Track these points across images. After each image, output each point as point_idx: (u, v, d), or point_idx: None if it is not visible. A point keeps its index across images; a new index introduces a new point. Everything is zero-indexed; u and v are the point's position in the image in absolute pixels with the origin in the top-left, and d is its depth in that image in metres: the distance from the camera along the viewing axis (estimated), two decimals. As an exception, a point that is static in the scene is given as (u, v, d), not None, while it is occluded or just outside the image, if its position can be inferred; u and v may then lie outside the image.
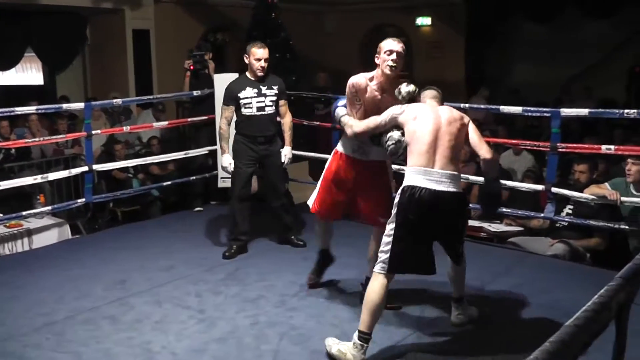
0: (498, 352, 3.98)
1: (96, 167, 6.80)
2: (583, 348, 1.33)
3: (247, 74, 5.81)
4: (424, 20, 14.45)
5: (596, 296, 1.43)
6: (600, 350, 1.73)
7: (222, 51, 13.34)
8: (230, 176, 5.95)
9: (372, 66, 4.30)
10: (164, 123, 8.28)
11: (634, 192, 5.54)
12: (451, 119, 3.93)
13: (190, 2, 12.70)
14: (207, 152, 7.65)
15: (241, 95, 5.72)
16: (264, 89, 5.76)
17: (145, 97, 9.38)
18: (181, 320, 4.47)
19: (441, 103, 4.11)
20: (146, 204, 8.40)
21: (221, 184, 7.08)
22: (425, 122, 3.90)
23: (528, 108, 6.07)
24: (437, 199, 3.77)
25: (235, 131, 5.83)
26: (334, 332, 4.17)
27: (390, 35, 4.36)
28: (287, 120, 5.95)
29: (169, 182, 7.66)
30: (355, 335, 3.79)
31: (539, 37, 13.37)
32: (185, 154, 7.54)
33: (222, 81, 7.00)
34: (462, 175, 4.47)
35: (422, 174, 3.80)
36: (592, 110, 5.87)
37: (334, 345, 3.88)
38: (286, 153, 5.89)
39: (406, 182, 3.84)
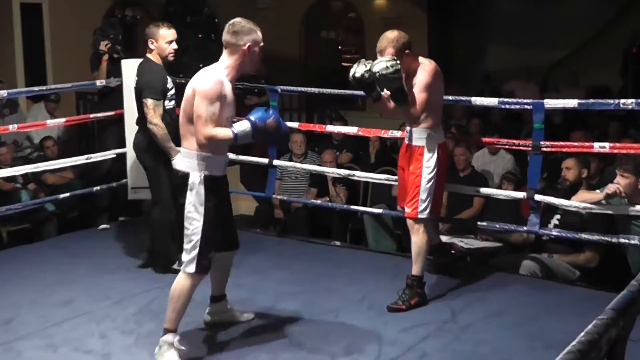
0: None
1: (-26, 176, 6.66)
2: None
3: (154, 60, 5.91)
4: (377, -8, 14.54)
5: (583, 333, 1.44)
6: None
7: (132, 31, 13.21)
8: (147, 184, 5.90)
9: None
10: (61, 120, 8.12)
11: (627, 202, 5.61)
12: (187, 90, 4.34)
13: (93, -30, 12.55)
14: (114, 156, 7.55)
15: (168, 85, 5.84)
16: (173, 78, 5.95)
17: (37, 88, 9.18)
18: (82, 367, 4.41)
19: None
20: (39, 221, 8.24)
21: (132, 195, 6.99)
22: None
23: (505, 99, 6.12)
24: None
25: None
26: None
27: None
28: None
29: (68, 194, 7.52)
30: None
31: (516, 13, 13.53)
32: (87, 159, 7.42)
33: (132, 68, 6.91)
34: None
35: None
36: (582, 101, 5.89)
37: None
38: None
39: None
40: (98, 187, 7.44)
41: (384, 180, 6.79)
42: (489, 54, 14.35)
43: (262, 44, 4.39)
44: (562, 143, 5.88)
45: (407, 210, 5.28)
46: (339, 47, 15.55)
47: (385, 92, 5.22)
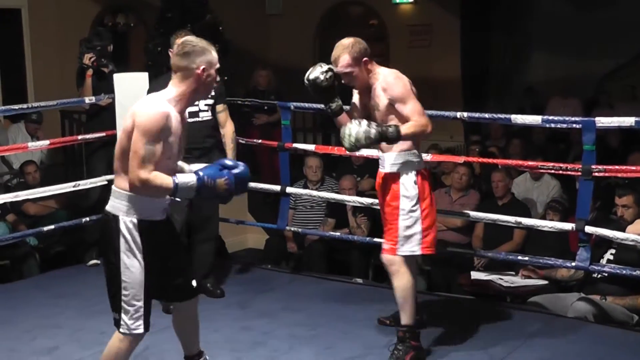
0: None
1: (-53, 206, 6.71)
2: None
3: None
4: (403, -4, 14.61)
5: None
6: None
7: (124, 41, 13.29)
8: None
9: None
10: (44, 142, 8.16)
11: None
12: (127, 119, 4.11)
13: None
14: (105, 182, 7.58)
15: None
16: None
17: (16, 106, 9.23)
18: None
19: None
20: (19, 257, 8.27)
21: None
22: None
23: (550, 117, 6.13)
24: None
25: None
26: None
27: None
28: (228, 130, 6.49)
29: (52, 226, 7.56)
30: None
31: (563, 16, 13.49)
32: (74, 186, 7.46)
33: (125, 83, 6.97)
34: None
35: None
36: (640, 119, 5.88)
37: None
38: None
39: None
40: (87, 219, 7.46)
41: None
42: (532, 64, 14.27)
43: (218, 65, 4.16)
44: (616, 167, 5.82)
45: (385, 246, 5.16)
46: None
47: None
